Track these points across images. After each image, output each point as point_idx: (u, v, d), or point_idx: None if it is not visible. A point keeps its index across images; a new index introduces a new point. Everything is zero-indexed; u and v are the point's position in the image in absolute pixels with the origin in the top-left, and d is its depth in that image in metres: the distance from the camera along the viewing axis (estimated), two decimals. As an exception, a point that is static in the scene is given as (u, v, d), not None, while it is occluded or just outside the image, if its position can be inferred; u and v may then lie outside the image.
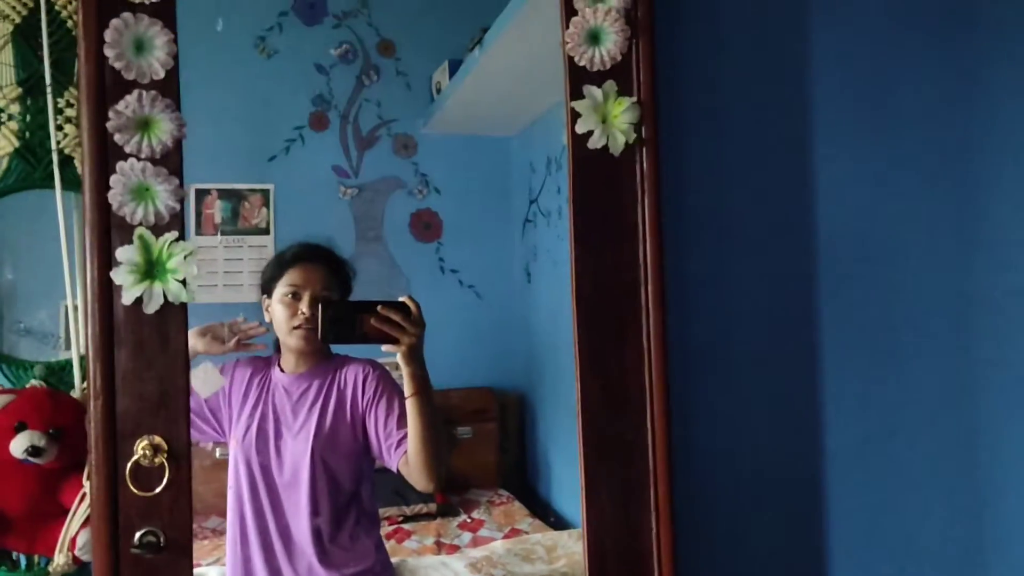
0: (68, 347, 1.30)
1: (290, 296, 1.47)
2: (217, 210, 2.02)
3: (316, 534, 1.46)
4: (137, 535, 1.02)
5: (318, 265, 1.51)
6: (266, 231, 2.05)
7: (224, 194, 2.03)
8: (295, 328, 1.46)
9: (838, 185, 1.39)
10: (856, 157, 1.40)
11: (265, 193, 2.06)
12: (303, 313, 1.45)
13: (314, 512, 1.46)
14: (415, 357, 1.34)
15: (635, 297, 1.17)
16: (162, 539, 1.02)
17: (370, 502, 1.55)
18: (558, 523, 2.03)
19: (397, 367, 1.38)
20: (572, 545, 1.89)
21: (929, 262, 1.44)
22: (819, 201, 1.38)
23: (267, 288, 1.52)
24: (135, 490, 1.02)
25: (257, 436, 1.47)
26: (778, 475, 1.38)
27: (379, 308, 1.29)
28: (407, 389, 1.36)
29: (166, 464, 1.02)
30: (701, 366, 1.33)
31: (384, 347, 1.32)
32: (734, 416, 1.36)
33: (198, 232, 1.96)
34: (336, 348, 1.54)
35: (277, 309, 1.48)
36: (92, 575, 1.04)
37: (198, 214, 1.98)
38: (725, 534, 1.36)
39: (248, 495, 1.47)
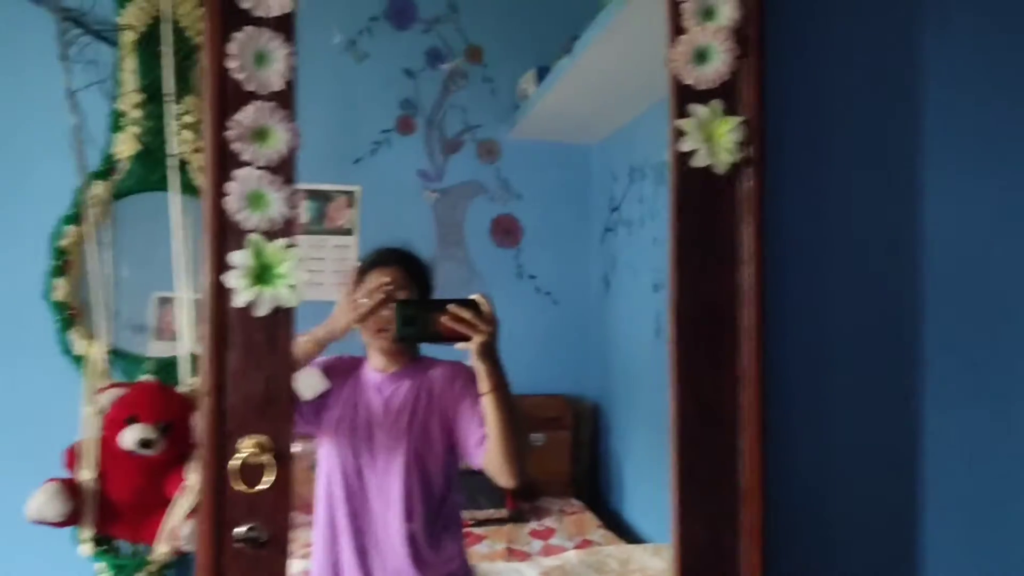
0: (159, 338, 1.35)
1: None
2: (304, 210, 2.07)
3: (410, 535, 1.48)
4: (241, 530, 1.05)
5: (394, 267, 1.53)
6: (350, 232, 2.09)
7: (311, 194, 2.07)
8: (380, 331, 1.49)
9: (947, 212, 1.34)
10: (968, 182, 1.36)
11: (351, 194, 2.10)
12: (383, 315, 1.47)
13: (408, 512, 1.47)
14: (488, 354, 1.34)
15: (733, 318, 1.15)
16: (263, 535, 1.05)
17: (457, 506, 1.57)
18: (628, 535, 2.02)
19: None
20: (646, 559, 1.87)
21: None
22: (927, 228, 1.34)
23: None
24: (240, 486, 1.04)
25: (350, 435, 1.50)
26: (874, 503, 1.34)
27: (449, 307, 1.30)
28: (483, 386, 1.36)
29: (270, 463, 1.05)
30: (797, 391, 1.30)
31: (458, 345, 1.32)
32: (830, 442, 1.33)
33: (283, 232, 2.00)
34: (424, 350, 1.56)
35: None
36: (192, 566, 1.07)
37: (286, 214, 2.03)
38: (816, 560, 1.33)
39: (340, 495, 1.49)
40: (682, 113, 1.15)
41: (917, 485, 1.34)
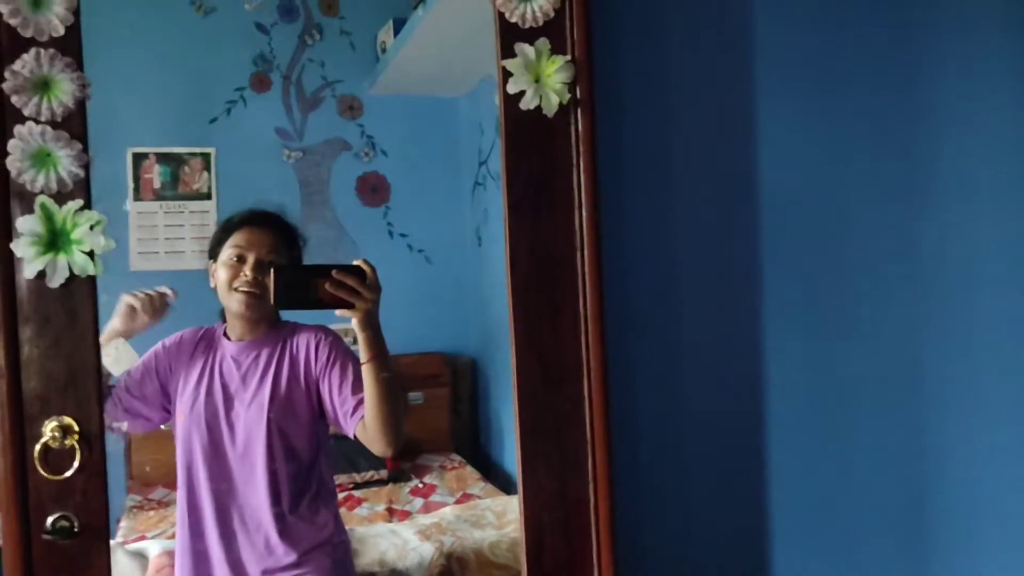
0: None
1: (235, 259, 1.43)
2: (156, 175, 1.96)
3: (275, 507, 1.44)
4: (49, 520, 0.98)
5: (265, 229, 1.47)
6: (208, 196, 1.99)
7: (163, 158, 1.96)
8: (234, 290, 1.43)
9: (782, 147, 1.36)
10: (801, 118, 1.38)
11: (206, 157, 2.00)
12: (245, 276, 1.42)
13: (272, 484, 1.43)
14: (371, 322, 1.31)
15: (571, 265, 1.14)
16: (76, 523, 0.98)
17: (328, 472, 1.53)
18: (511, 486, 2.03)
19: (348, 332, 1.36)
20: (522, 510, 1.89)
21: (874, 226, 1.43)
22: (762, 164, 1.35)
23: (213, 253, 1.49)
24: (45, 474, 0.97)
25: (206, 408, 1.44)
26: (720, 445, 1.37)
27: (334, 272, 1.26)
28: (363, 355, 1.33)
29: (77, 446, 0.97)
30: (641, 336, 1.30)
31: (339, 312, 1.29)
32: (675, 386, 1.35)
33: (136, 198, 1.91)
34: (286, 315, 1.51)
35: (220, 272, 1.45)
36: (4, 561, 1.00)
37: (136, 179, 1.92)
38: (666, 505, 1.35)
39: (200, 469, 1.43)
40: (509, 53, 1.11)
41: (762, 425, 1.38)
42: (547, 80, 1.11)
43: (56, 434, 0.97)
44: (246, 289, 1.42)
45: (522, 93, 1.11)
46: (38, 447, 0.97)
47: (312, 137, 2.12)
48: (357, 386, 1.39)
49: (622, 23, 1.25)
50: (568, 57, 1.11)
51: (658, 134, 1.30)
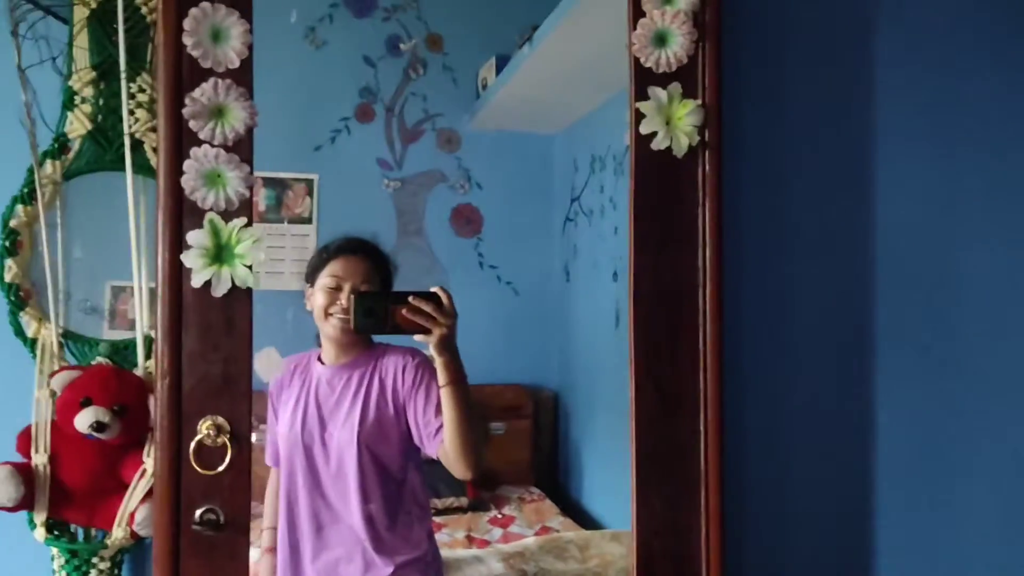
0: (112, 326, 1.35)
1: (332, 286, 1.49)
2: (261, 198, 2.05)
3: (369, 522, 1.48)
4: (198, 512, 1.04)
5: (361, 258, 1.53)
6: (309, 220, 2.07)
7: (268, 182, 2.05)
8: (330, 315, 1.48)
9: (899, 192, 1.37)
10: (918, 163, 1.39)
11: (309, 183, 2.08)
12: (341, 303, 1.47)
13: (365, 501, 1.47)
14: (447, 347, 1.34)
15: (692, 301, 1.17)
16: (222, 517, 1.04)
17: (421, 490, 1.57)
18: (588, 522, 2.03)
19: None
20: (605, 545, 1.89)
21: (990, 267, 1.42)
22: (879, 208, 1.37)
23: (310, 278, 1.54)
24: (198, 468, 1.03)
25: (303, 430, 1.50)
26: (828, 479, 1.37)
27: (410, 299, 1.31)
28: (441, 379, 1.37)
29: (228, 444, 1.04)
30: (755, 372, 1.32)
31: (417, 337, 1.33)
32: (787, 422, 1.35)
33: (241, 219, 1.99)
34: (377, 338, 1.55)
35: (317, 297, 1.51)
36: (149, 550, 1.06)
37: (242, 201, 2.01)
38: (774, 538, 1.36)
39: (299, 487, 1.49)
40: (642, 96, 1.16)
41: (870, 462, 1.37)
42: (678, 123, 1.15)
43: (210, 432, 1.03)
44: (342, 316, 1.47)
45: (654, 134, 1.15)
46: (193, 444, 1.04)
47: (411, 168, 2.19)
48: (440, 408, 1.41)
49: (750, 71, 1.28)
50: (699, 101, 1.15)
51: (778, 178, 1.33)
